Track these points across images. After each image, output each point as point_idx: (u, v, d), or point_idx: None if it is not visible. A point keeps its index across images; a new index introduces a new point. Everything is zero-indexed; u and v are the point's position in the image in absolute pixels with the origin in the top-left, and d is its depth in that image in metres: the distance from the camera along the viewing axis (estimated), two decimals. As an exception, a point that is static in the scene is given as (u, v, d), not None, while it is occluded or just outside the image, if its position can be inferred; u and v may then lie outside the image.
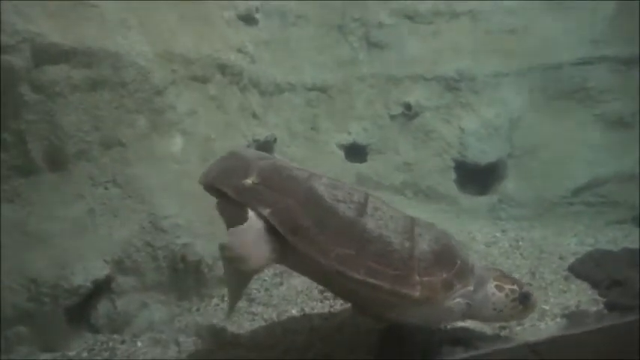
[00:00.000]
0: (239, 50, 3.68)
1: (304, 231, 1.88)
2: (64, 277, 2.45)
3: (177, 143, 3.16)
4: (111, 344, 2.50)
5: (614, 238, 4.03)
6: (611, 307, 2.77)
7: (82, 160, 2.73)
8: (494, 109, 4.42)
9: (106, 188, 2.79)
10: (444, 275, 1.95)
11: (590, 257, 3.38)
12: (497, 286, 2.07)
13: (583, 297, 2.91)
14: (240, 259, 1.84)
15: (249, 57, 3.75)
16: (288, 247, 1.90)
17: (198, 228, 2.90)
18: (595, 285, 3.04)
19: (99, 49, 2.73)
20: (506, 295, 2.06)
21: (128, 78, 2.85)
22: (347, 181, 4.10)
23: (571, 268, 3.25)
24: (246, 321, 2.68)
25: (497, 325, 2.46)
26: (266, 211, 1.90)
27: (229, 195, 1.98)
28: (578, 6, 4.56)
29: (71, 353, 2.44)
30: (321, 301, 2.83)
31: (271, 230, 1.90)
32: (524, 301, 2.09)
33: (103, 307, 2.60)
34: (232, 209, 2.00)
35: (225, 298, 2.85)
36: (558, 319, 2.65)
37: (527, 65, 4.52)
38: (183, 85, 3.22)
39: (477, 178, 4.44)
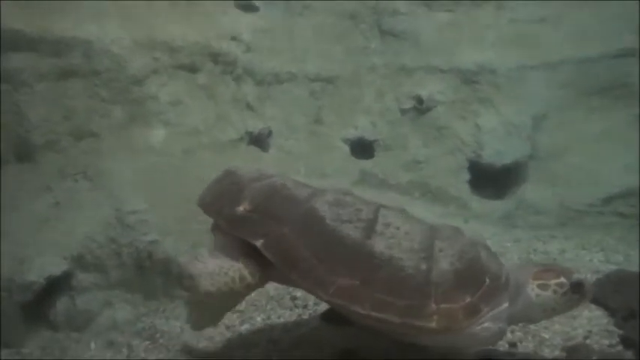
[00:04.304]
0: (233, 38, 3.52)
1: (301, 263, 1.72)
2: (19, 272, 2.39)
3: (158, 135, 3.06)
4: (66, 343, 2.42)
5: (647, 258, 3.59)
6: (627, 342, 2.39)
7: (51, 151, 2.68)
8: (515, 106, 4.04)
9: (75, 181, 2.72)
10: (468, 299, 1.71)
11: (608, 279, 2.98)
12: (540, 286, 1.80)
13: (595, 327, 2.52)
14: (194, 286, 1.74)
15: (244, 45, 3.58)
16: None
17: (169, 225, 2.78)
18: (612, 313, 2.66)
19: (69, 37, 2.66)
20: (555, 292, 1.79)
21: (101, 67, 2.76)
22: (351, 180, 3.95)
23: (586, 291, 2.88)
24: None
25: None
26: (258, 243, 1.76)
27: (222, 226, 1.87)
28: (618, -7, 4.08)
29: (25, 350, 2.39)
30: (291, 309, 2.65)
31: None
32: (579, 291, 1.81)
33: (62, 304, 2.53)
34: (225, 236, 1.88)
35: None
36: (557, 352, 2.31)
37: (558, 58, 4.09)
38: (167, 75, 3.10)
39: (492, 180, 4.08)
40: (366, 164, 4.14)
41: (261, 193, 1.88)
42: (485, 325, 1.74)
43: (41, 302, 2.51)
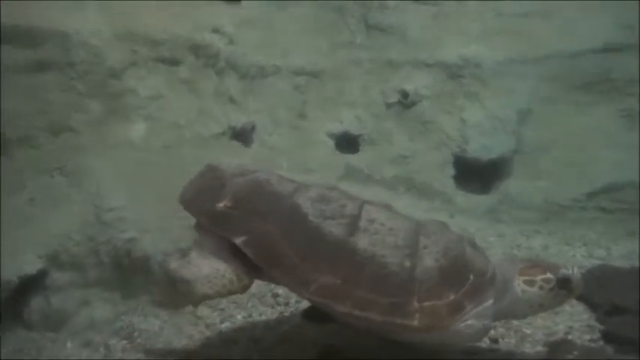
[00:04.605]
0: (215, 30, 3.45)
1: (283, 261, 1.69)
2: (-8, 270, 2.33)
3: (138, 130, 3.00)
4: (41, 343, 2.37)
5: (629, 253, 3.58)
6: (608, 337, 2.39)
7: (26, 146, 2.60)
8: (500, 100, 4.03)
9: (51, 177, 2.66)
10: (452, 297, 1.69)
11: (591, 274, 2.98)
12: (526, 282, 1.79)
13: (576, 322, 2.52)
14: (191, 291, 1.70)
15: (226, 37, 3.51)
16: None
17: (148, 222, 2.72)
18: (593, 308, 2.66)
19: (44, 28, 2.58)
20: (541, 287, 1.78)
21: (77, 59, 2.68)
22: (336, 175, 3.91)
23: (568, 286, 2.87)
24: (188, 324, 2.49)
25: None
26: (239, 240, 1.71)
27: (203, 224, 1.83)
28: (606, -13, 4.07)
29: (-2, 351, 2.33)
30: (273, 307, 2.61)
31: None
32: (565, 286, 1.79)
33: (37, 303, 2.47)
34: (209, 234, 1.83)
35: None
36: (539, 348, 2.31)
37: (544, 52, 4.08)
38: (147, 68, 3.04)
39: (477, 175, 4.07)
40: (351, 159, 4.10)
41: (244, 189, 1.83)
42: (469, 322, 1.72)
43: (15, 301, 2.44)
